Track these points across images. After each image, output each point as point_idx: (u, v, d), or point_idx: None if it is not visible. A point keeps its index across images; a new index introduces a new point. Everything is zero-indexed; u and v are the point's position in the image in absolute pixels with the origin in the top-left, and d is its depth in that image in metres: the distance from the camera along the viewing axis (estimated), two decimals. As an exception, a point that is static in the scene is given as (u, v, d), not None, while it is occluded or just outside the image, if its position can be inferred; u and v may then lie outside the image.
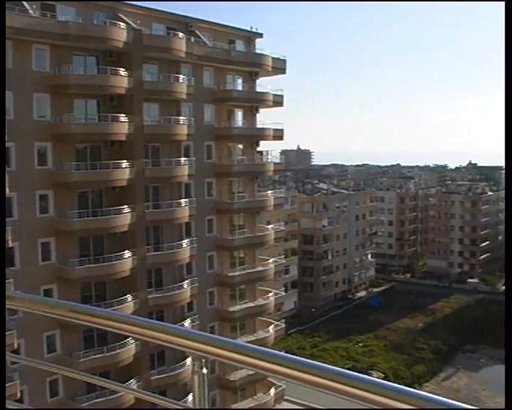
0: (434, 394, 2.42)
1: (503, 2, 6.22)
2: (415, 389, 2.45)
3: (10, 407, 3.65)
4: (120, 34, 46.23)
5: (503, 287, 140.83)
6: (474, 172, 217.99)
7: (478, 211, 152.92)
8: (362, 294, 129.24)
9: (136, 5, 51.00)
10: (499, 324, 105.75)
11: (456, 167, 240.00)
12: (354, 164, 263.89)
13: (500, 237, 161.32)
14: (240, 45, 59.32)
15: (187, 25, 54.25)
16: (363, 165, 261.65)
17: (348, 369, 2.62)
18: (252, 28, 60.56)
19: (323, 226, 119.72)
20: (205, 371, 3.00)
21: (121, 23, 47.04)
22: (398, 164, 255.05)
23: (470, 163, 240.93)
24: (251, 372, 47.64)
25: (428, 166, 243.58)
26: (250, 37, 60.45)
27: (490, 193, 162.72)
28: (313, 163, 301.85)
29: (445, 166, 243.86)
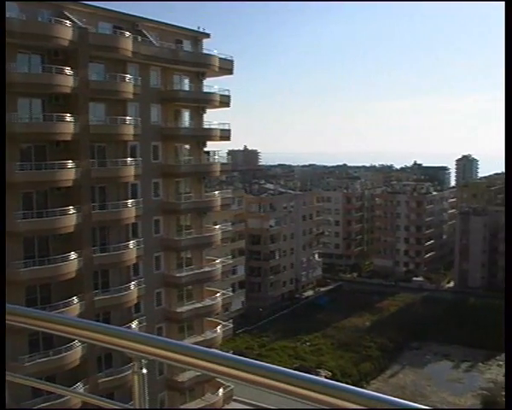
0: (380, 391, 2.44)
1: (503, 2, 6.29)
2: (362, 387, 2.48)
3: (10, 407, 3.62)
4: (66, 32, 45.55)
5: (447, 284, 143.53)
6: (419, 172, 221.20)
7: (423, 210, 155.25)
8: (309, 293, 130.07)
9: (82, 3, 50.26)
10: (444, 321, 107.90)
11: (402, 168, 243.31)
12: (301, 164, 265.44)
13: (444, 236, 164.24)
14: (187, 45, 59.02)
15: (134, 24, 53.72)
16: (310, 165, 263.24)
17: (296, 368, 2.64)
18: (199, 28, 60.33)
19: (270, 226, 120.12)
20: (145, 371, 2.99)
21: (67, 21, 46.33)
22: (345, 164, 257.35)
23: (415, 164, 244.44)
24: (199, 373, 47.47)
25: (374, 167, 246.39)
26: (197, 37, 60.20)
27: (434, 193, 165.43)
28: (260, 163, 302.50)
29: (390, 167, 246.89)
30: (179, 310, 57.97)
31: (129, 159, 51.49)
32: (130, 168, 51.16)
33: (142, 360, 2.97)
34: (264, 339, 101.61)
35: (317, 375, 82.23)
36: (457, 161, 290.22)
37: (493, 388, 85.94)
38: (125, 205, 51.11)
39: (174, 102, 56.92)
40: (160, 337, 2.91)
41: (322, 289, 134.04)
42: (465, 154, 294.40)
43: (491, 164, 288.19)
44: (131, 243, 51.85)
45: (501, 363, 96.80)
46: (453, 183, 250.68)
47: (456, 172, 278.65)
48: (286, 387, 2.48)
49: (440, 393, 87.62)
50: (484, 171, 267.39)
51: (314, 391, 2.43)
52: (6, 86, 42.97)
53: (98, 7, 51.94)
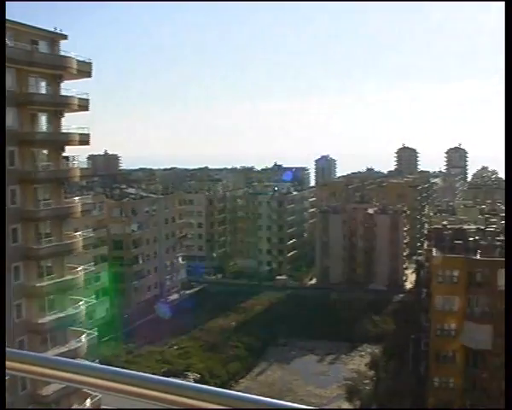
0: (249, 389, 2.31)
1: (503, 3, 6.25)
2: (231, 386, 2.36)
3: (10, 407, 3.33)
4: None
5: (310, 281, 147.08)
6: (280, 173, 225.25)
7: (284, 210, 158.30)
8: (174, 297, 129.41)
9: None
10: (307, 317, 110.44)
11: (263, 169, 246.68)
12: (162, 168, 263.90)
13: (305, 235, 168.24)
14: (43, 46, 57.02)
15: (-16, 24, 51.34)
16: (172, 168, 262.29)
17: (164, 373, 2.49)
18: (56, 29, 58.42)
19: (133, 231, 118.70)
20: None
21: None
22: (207, 167, 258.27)
23: (276, 165, 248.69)
24: (64, 385, 45.93)
25: (236, 169, 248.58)
26: (54, 38, 58.21)
27: (295, 193, 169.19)
28: (121, 168, 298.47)
29: (251, 168, 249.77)
30: (41, 321, 55.91)
31: (-18, 165, 49.12)
32: (-17, 175, 48.83)
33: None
34: (131, 345, 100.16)
35: (185, 378, 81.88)
36: (316, 161, 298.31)
37: (356, 377, 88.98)
38: (-21, 214, 48.75)
39: (30, 105, 54.80)
40: (19, 351, 2.71)
41: (187, 292, 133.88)
42: (324, 154, 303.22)
43: (348, 164, 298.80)
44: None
45: (363, 354, 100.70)
46: (313, 183, 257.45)
47: (316, 172, 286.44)
48: (152, 394, 2.39)
49: (307, 386, 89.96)
50: (342, 170, 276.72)
51: (181, 396, 2.34)
52: None
53: None
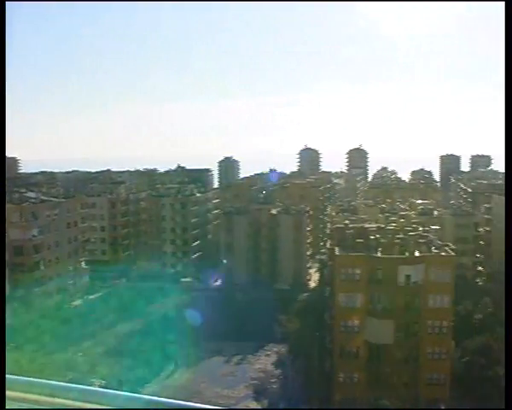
0: (158, 393, 2.28)
1: (503, 3, 6.28)
2: (138, 392, 2.33)
3: (10, 407, 3.10)
4: None
5: (215, 283, 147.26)
6: (183, 174, 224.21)
7: (188, 212, 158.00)
8: (77, 302, 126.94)
9: None
10: (213, 318, 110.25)
11: (166, 171, 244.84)
12: (64, 171, 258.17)
13: (210, 236, 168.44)
14: None
15: None
16: (73, 171, 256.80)
17: (69, 380, 2.43)
18: None
19: (34, 236, 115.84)
20: None
21: None
22: (109, 170, 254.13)
23: (179, 166, 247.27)
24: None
25: (139, 171, 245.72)
26: None
27: (198, 194, 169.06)
28: (20, 171, 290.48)
29: (154, 170, 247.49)
30: None
31: None
32: None
33: None
34: (33, 354, 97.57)
35: (90, 385, 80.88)
36: (220, 162, 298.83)
37: (263, 377, 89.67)
38: None
39: None
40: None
41: (91, 296, 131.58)
42: (227, 156, 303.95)
43: (251, 165, 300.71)
44: None
45: (269, 353, 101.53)
46: (216, 184, 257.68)
47: (219, 174, 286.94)
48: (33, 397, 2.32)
49: (214, 388, 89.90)
50: (245, 172, 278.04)
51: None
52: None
53: None
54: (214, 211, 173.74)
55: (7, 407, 3.26)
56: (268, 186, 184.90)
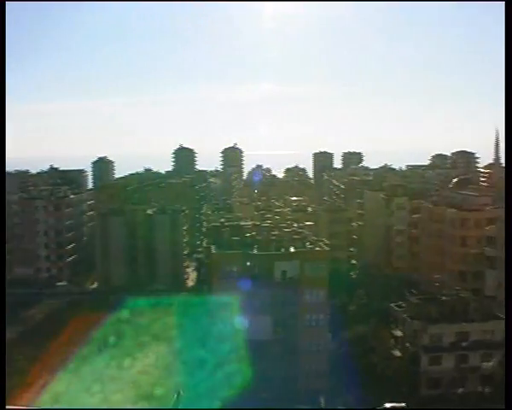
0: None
1: (503, 3, 6.78)
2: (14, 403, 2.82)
3: (10, 407, 3.39)
4: None
5: (92, 286, 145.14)
6: (56, 176, 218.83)
7: (61, 214, 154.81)
8: None
9: None
10: (87, 323, 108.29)
11: (38, 172, 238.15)
12: None
13: (85, 238, 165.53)
14: None
15: None
16: None
17: None
18: None
19: None
20: None
21: None
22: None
23: (52, 168, 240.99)
24: None
25: (9, 173, 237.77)
26: None
27: (72, 196, 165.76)
28: None
29: (26, 172, 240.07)
30: None
31: None
32: None
33: None
34: None
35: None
36: (93, 163, 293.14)
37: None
38: None
39: None
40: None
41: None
42: (101, 156, 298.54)
43: (126, 164, 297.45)
44: None
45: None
46: (91, 185, 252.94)
47: (93, 175, 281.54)
48: None
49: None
50: (120, 172, 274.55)
51: None
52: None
53: None
54: (89, 212, 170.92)
55: (6, 407, 3.69)
56: (143, 186, 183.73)
